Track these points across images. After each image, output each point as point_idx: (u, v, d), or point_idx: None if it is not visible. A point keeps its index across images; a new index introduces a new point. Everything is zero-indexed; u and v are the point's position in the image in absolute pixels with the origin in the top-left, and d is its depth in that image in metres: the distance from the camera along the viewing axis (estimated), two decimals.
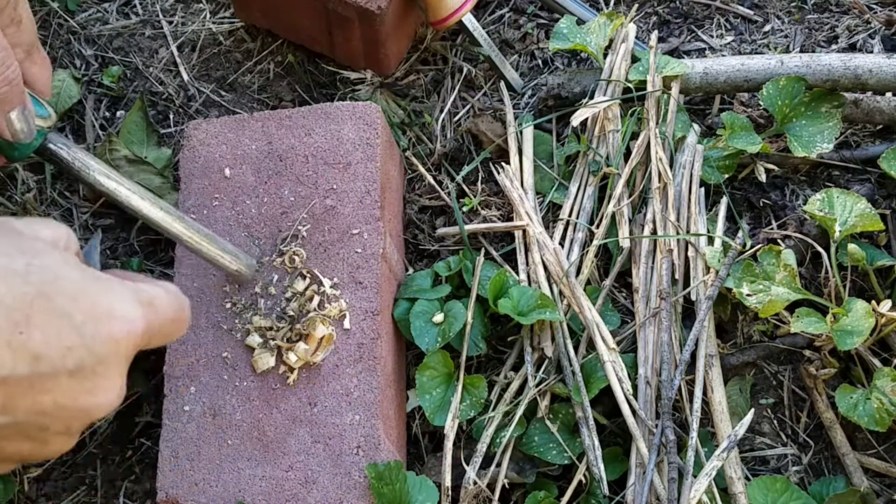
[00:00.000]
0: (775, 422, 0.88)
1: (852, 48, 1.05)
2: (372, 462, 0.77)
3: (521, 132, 1.00)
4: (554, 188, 0.98)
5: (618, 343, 0.88)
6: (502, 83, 1.05)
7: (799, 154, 0.92)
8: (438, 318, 0.86)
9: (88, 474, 0.92)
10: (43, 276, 0.43)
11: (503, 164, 0.99)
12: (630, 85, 0.97)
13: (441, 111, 1.05)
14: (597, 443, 0.82)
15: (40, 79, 0.63)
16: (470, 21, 1.03)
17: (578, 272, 0.91)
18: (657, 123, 0.95)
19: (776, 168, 0.97)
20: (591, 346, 0.87)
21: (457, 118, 1.05)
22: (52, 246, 0.47)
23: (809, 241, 0.90)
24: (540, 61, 1.09)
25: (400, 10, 1.00)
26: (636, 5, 1.09)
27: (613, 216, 0.93)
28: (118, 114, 1.09)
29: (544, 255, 0.91)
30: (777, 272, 0.85)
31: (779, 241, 0.90)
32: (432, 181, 1.00)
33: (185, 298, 0.54)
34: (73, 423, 0.45)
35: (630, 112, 0.96)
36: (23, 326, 0.42)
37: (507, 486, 0.84)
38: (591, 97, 0.99)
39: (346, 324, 0.82)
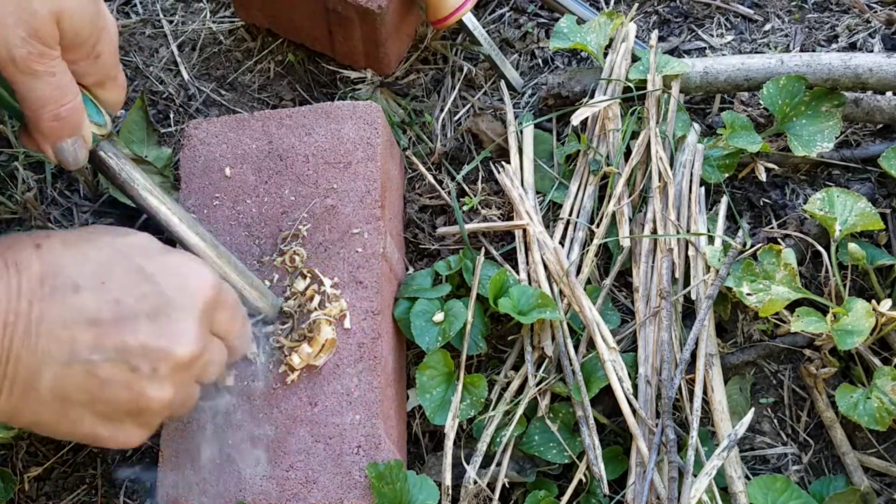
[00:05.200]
0: (775, 421, 0.89)
1: (852, 47, 1.05)
2: (372, 461, 0.77)
3: (521, 131, 1.00)
4: (554, 187, 0.98)
5: (618, 342, 0.88)
6: (502, 82, 1.05)
7: (799, 153, 0.92)
8: (439, 317, 0.86)
9: (89, 473, 0.92)
10: (125, 242, 0.56)
11: (503, 163, 0.99)
12: (630, 84, 0.97)
13: (441, 110, 1.05)
14: (597, 442, 0.82)
15: (109, 101, 0.67)
16: (470, 20, 1.03)
17: (578, 271, 0.91)
18: (657, 123, 0.95)
19: (776, 167, 0.97)
20: (592, 345, 0.87)
21: (457, 117, 1.05)
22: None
23: (810, 240, 0.90)
24: (540, 60, 1.09)
25: (400, 10, 1.00)
26: (636, 4, 1.09)
27: (614, 215, 0.93)
28: (118, 113, 1.09)
29: (544, 254, 0.91)
30: (777, 271, 0.85)
31: (779, 240, 0.90)
32: (432, 180, 1.00)
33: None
34: (160, 366, 0.54)
35: (630, 111, 0.96)
36: (105, 279, 0.52)
37: (507, 485, 0.84)
38: (592, 96, 0.99)
39: (347, 323, 0.82)
